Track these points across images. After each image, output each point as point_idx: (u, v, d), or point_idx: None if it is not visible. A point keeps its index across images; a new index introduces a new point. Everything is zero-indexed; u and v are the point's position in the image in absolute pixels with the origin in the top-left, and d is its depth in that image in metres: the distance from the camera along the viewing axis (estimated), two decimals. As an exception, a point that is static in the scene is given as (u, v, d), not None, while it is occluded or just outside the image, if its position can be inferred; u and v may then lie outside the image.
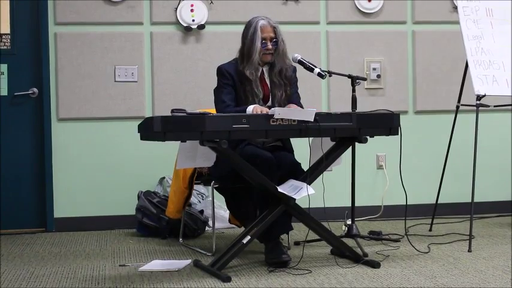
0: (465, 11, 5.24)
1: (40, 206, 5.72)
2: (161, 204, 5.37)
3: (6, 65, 5.63)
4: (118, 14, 5.74)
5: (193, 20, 5.80)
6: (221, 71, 4.68)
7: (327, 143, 4.46)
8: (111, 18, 5.74)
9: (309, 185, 4.31)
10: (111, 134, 5.77)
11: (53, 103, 5.70)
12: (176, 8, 5.79)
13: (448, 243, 4.97)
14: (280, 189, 4.27)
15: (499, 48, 5.24)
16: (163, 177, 5.70)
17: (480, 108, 5.02)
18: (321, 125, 4.17)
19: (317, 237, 4.61)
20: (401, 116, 4.48)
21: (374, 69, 6.01)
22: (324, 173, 4.46)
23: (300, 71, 4.84)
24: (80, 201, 5.73)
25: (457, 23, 5.29)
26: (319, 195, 4.42)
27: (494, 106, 5.40)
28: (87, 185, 5.74)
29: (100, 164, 5.75)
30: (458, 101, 5.39)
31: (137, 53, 5.78)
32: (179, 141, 4.22)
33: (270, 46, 4.61)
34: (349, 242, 4.70)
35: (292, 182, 4.35)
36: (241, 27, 4.72)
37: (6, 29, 5.64)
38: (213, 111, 4.58)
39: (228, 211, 5.23)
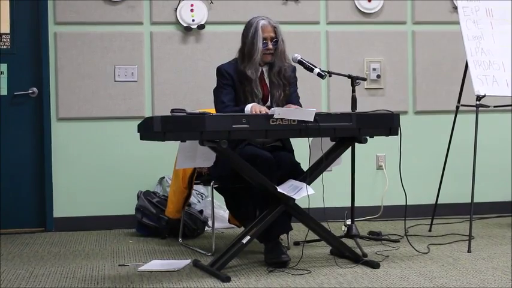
0: (465, 11, 5.24)
1: (39, 206, 5.72)
2: (161, 204, 5.37)
3: (6, 64, 5.63)
4: (118, 13, 5.74)
5: (193, 20, 5.79)
6: (221, 71, 4.67)
7: (327, 143, 4.45)
8: (111, 18, 5.74)
9: (309, 185, 4.30)
10: (111, 134, 5.77)
11: (52, 103, 5.69)
12: (176, 8, 5.78)
13: (448, 243, 4.97)
14: (279, 189, 4.26)
15: (499, 49, 5.23)
16: (163, 177, 5.70)
17: (480, 108, 5.02)
18: (320, 125, 4.17)
19: (316, 237, 4.61)
20: (401, 116, 4.47)
21: (374, 69, 6.01)
22: (324, 173, 4.46)
23: (300, 71, 4.84)
24: (79, 201, 5.73)
25: (457, 23, 5.29)
26: (318, 195, 4.41)
27: (494, 106, 5.40)
28: (87, 185, 5.74)
29: (100, 163, 5.75)
30: (458, 101, 5.39)
31: (137, 53, 5.77)
32: (179, 141, 4.22)
33: (270, 46, 4.60)
34: (349, 242, 4.69)
35: (291, 182, 4.35)
36: (241, 27, 4.72)
37: (6, 28, 5.64)
38: (213, 111, 4.58)
39: (227, 211, 5.23)
